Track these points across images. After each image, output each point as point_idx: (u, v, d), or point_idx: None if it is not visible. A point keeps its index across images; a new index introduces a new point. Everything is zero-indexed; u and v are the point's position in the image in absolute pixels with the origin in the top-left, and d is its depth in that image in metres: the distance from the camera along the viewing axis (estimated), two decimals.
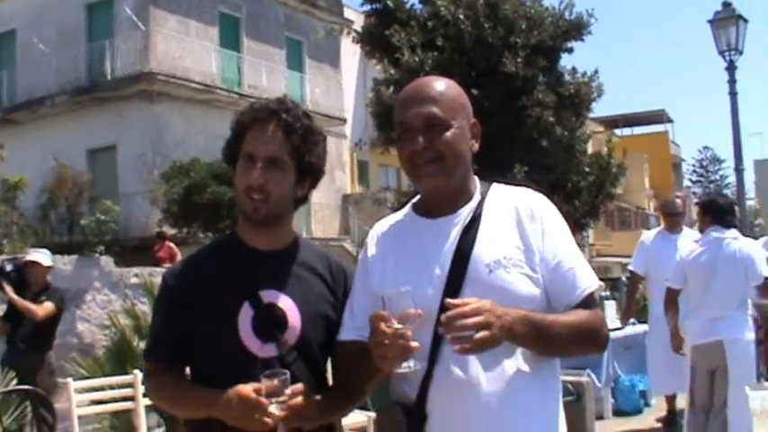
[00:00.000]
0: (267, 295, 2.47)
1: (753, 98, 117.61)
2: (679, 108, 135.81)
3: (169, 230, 19.13)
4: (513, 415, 2.20)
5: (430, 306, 2.16)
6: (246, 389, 2.23)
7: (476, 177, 2.43)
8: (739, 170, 14.77)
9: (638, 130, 58.75)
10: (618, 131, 28.86)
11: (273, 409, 2.19)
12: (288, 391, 2.20)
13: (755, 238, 8.68)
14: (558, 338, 2.21)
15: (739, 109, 14.24)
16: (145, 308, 9.56)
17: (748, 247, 6.57)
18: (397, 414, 2.27)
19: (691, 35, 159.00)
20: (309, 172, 2.57)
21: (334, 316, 2.51)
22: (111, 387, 6.82)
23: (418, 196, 2.47)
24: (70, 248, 17.04)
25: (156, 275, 11.89)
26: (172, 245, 18.04)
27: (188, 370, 2.59)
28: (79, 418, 6.26)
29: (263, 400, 2.19)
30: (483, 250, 2.25)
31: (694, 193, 66.14)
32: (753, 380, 6.28)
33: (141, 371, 6.77)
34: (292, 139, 2.49)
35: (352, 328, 2.39)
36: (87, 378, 7.37)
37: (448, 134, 2.28)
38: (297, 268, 2.56)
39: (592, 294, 2.31)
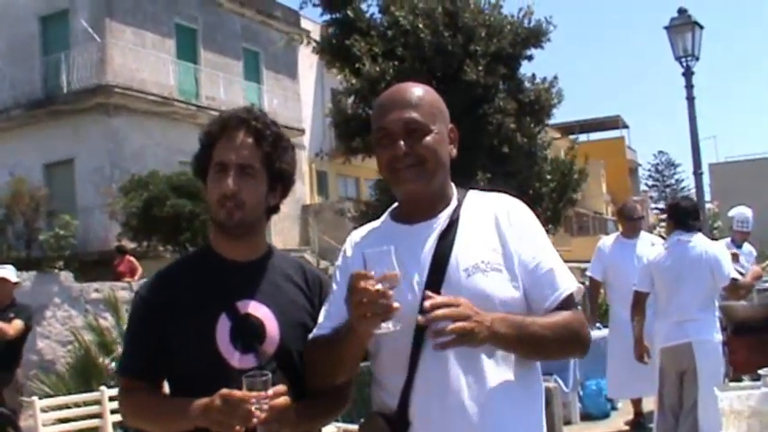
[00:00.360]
0: (244, 306, 2.45)
1: (705, 102, 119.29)
2: (634, 113, 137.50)
3: (129, 244, 18.94)
4: (495, 422, 2.19)
5: (409, 312, 2.13)
6: (229, 390, 2.20)
7: (452, 183, 2.43)
8: (698, 174, 14.95)
9: (594, 135, 59.28)
10: (574, 137, 29.24)
11: (255, 409, 2.16)
12: (270, 392, 2.18)
13: (715, 239, 8.80)
14: (540, 339, 2.20)
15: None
16: (107, 323, 9.42)
17: (714, 249, 6.63)
18: (379, 423, 2.25)
19: (645, 42, 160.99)
20: (281, 179, 2.56)
21: (312, 324, 2.46)
22: (77, 405, 6.73)
23: (395, 204, 2.47)
24: (28, 264, 16.77)
25: (117, 290, 11.77)
26: (132, 259, 17.89)
27: (166, 387, 2.55)
28: None
29: (246, 397, 2.16)
30: (461, 255, 2.26)
31: (651, 198, 67.02)
32: (721, 381, 6.33)
33: (108, 387, 6.72)
34: (263, 146, 2.48)
35: (328, 327, 2.34)
36: (51, 396, 7.28)
37: (428, 138, 2.29)
38: (272, 277, 2.54)
39: (571, 296, 2.31)
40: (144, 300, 2.52)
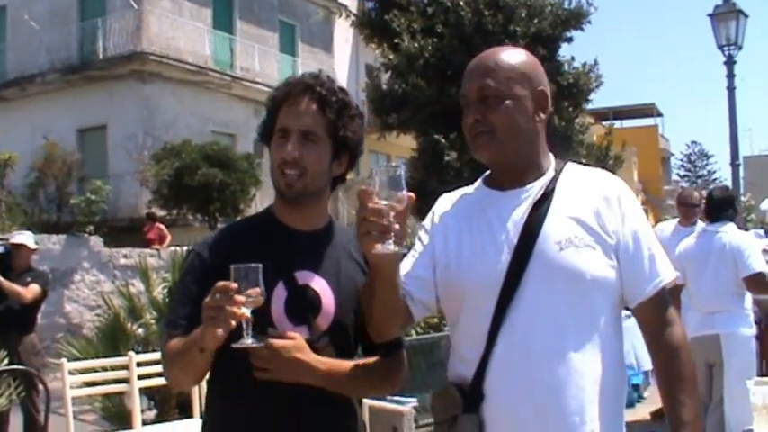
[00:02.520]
0: (302, 277, 2.37)
1: (742, 93, 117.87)
2: (669, 102, 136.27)
3: (159, 212, 18.99)
4: (572, 405, 2.12)
5: (494, 278, 2.12)
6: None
7: (550, 154, 2.36)
8: (735, 165, 14.77)
9: (627, 122, 58.77)
10: (610, 123, 29.11)
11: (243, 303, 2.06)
12: (258, 289, 2.09)
13: (746, 230, 8.67)
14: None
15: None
16: (135, 289, 9.43)
17: (738, 240, 6.50)
18: (452, 394, 2.20)
19: (683, 30, 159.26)
20: (346, 148, 2.46)
21: None
22: (104, 369, 6.74)
23: (488, 171, 2.41)
24: (58, 228, 16.92)
25: (146, 257, 11.77)
26: (162, 226, 17.94)
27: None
28: (71, 398, 6.17)
29: (235, 287, 2.04)
30: (554, 227, 2.18)
31: (682, 188, 66.42)
32: (753, 375, 6.22)
33: (136, 353, 6.71)
34: (327, 113, 2.39)
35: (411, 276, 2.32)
36: (79, 359, 7.29)
37: (501, 107, 2.21)
38: (333, 251, 2.47)
39: (664, 287, 2.24)
40: (200, 258, 2.42)
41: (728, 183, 15.74)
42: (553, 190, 2.24)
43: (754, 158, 52.04)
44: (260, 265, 2.07)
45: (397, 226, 1.96)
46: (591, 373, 2.14)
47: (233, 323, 2.04)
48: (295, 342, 2.26)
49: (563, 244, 2.14)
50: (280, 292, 2.34)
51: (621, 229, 2.21)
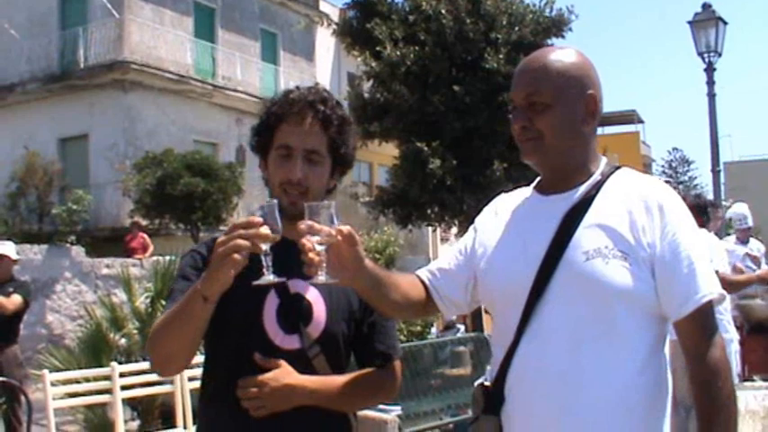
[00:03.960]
0: (294, 285, 2.38)
1: (721, 99, 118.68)
2: (649, 108, 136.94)
3: (141, 221, 18.94)
4: (587, 416, 2.07)
5: (521, 285, 2.12)
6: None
7: (602, 157, 2.30)
8: (716, 171, 14.85)
9: (608, 129, 58.97)
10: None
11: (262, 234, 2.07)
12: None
13: (728, 235, 8.74)
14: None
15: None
16: (117, 299, 9.39)
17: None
18: (478, 393, 2.22)
19: (662, 37, 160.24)
20: (342, 163, 2.53)
21: (358, 309, 2.47)
22: (87, 380, 6.71)
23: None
24: (40, 238, 16.84)
25: (128, 267, 11.74)
26: (145, 236, 17.91)
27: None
28: (54, 410, 6.14)
29: (260, 221, 2.07)
30: (585, 235, 2.12)
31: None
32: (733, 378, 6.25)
33: (118, 363, 6.69)
34: (329, 132, 2.43)
35: (428, 270, 2.41)
36: (61, 370, 7.26)
37: (549, 113, 2.18)
38: None
39: (710, 303, 2.10)
40: (200, 255, 2.44)
41: (709, 189, 15.84)
42: (593, 197, 2.19)
43: (733, 164, 52.32)
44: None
45: (323, 258, 2.01)
46: (608, 385, 2.07)
47: (245, 260, 2.04)
48: (282, 369, 2.29)
49: (590, 254, 2.09)
50: (272, 300, 2.37)
51: (660, 240, 2.10)
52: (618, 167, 2.29)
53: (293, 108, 2.42)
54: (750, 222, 9.61)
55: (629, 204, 2.14)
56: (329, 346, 2.40)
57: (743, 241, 9.32)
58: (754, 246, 9.96)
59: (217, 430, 2.40)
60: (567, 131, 2.19)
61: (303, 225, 2.01)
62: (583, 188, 2.21)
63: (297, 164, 2.39)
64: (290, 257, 2.34)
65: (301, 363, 2.34)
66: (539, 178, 2.36)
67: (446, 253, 2.41)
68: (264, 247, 2.07)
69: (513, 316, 2.14)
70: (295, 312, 2.37)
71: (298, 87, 2.53)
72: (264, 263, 2.10)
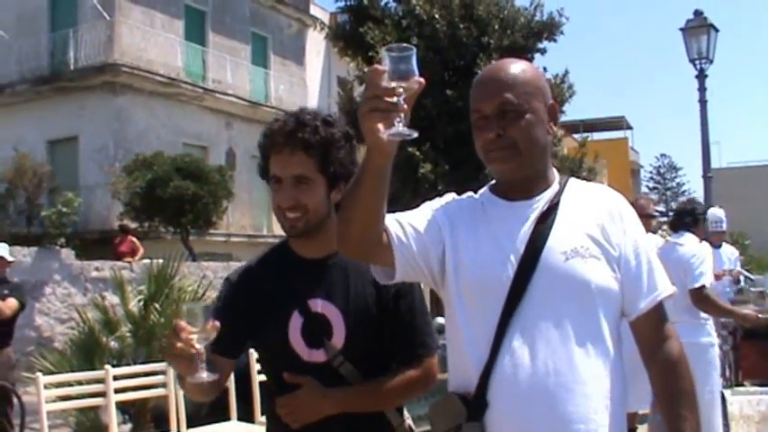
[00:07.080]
0: (314, 304, 2.58)
1: (710, 107, 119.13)
2: (638, 115, 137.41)
3: (131, 224, 18.86)
4: (579, 411, 2.11)
5: (499, 289, 2.13)
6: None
7: (553, 168, 2.36)
8: (707, 178, 14.91)
9: (597, 135, 59.21)
10: (577, 136, 29.31)
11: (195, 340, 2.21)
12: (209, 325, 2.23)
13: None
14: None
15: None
16: (110, 302, 9.34)
17: (689, 250, 6.55)
18: (455, 403, 2.18)
19: (653, 43, 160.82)
20: (340, 177, 2.58)
21: (379, 313, 2.59)
22: (80, 383, 6.66)
23: (494, 180, 2.39)
24: (29, 240, 16.75)
25: (118, 270, 11.67)
26: (134, 239, 17.80)
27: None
28: (46, 413, 6.10)
29: (185, 327, 2.20)
30: (559, 238, 2.18)
31: (651, 200, 67.02)
32: (713, 383, 6.33)
33: (112, 366, 6.63)
34: (314, 155, 2.53)
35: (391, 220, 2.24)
36: (53, 373, 7.20)
37: (522, 121, 2.20)
38: (342, 274, 2.62)
39: (661, 302, 2.28)
40: (232, 284, 2.71)
41: (699, 195, 15.91)
42: (558, 203, 2.26)
43: (721, 171, 52.60)
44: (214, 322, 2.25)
45: (405, 106, 1.89)
46: (596, 382, 2.14)
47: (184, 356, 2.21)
48: (308, 385, 2.52)
49: (569, 254, 2.15)
50: (296, 320, 2.57)
51: (624, 241, 2.25)
52: (570, 176, 2.39)
53: (275, 139, 2.56)
54: (725, 227, 9.69)
55: (593, 209, 2.27)
56: (353, 354, 2.56)
57: (716, 245, 9.36)
58: (728, 250, 10.04)
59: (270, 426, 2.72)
60: (538, 139, 2.24)
61: (380, 68, 1.85)
62: (547, 194, 2.28)
63: (286, 191, 2.54)
64: (310, 277, 2.62)
65: (330, 373, 2.52)
66: (493, 182, 2.37)
67: (415, 215, 2.30)
68: (198, 346, 2.20)
69: (490, 319, 2.14)
70: (318, 328, 2.56)
71: (284, 114, 2.63)
72: (197, 361, 2.23)
